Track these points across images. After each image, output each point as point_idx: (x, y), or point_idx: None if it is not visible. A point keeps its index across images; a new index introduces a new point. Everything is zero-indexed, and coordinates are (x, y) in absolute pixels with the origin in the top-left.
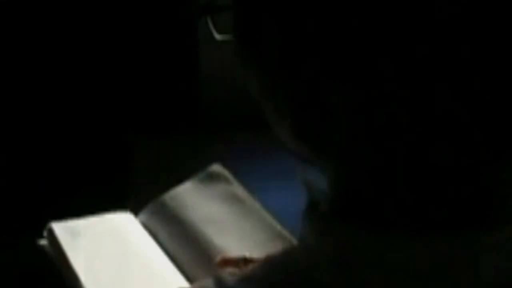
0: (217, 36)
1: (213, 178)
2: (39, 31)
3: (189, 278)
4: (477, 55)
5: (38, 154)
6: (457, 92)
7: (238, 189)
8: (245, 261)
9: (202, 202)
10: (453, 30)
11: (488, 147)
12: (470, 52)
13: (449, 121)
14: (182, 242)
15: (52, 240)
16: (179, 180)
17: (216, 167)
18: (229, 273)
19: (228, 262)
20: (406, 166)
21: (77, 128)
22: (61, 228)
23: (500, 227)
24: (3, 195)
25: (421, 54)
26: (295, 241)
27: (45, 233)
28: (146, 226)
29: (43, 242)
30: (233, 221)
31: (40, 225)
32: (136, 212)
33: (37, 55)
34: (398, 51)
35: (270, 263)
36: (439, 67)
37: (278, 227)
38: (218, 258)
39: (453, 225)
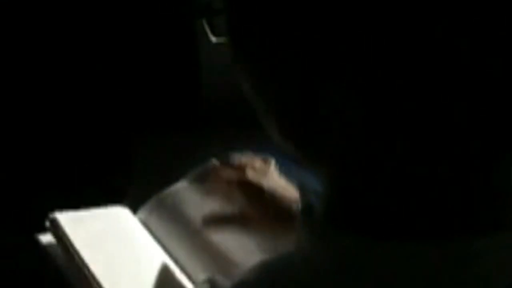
0: (213, 39)
1: (210, 175)
2: (41, 30)
3: (187, 274)
4: (470, 60)
5: (38, 151)
6: (449, 99)
7: None
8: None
9: (201, 199)
10: (449, 42)
11: (479, 153)
12: (463, 58)
13: (440, 129)
14: (181, 239)
15: (55, 228)
16: (178, 178)
17: (214, 163)
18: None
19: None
20: (398, 173)
21: (78, 125)
22: (64, 217)
23: (494, 233)
24: (3, 189)
25: (412, 57)
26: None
27: (47, 224)
28: (144, 223)
29: (42, 236)
30: (232, 218)
31: (38, 220)
32: (134, 209)
33: (40, 55)
34: (389, 55)
35: (265, 268)
36: (429, 73)
37: None
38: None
39: (449, 232)
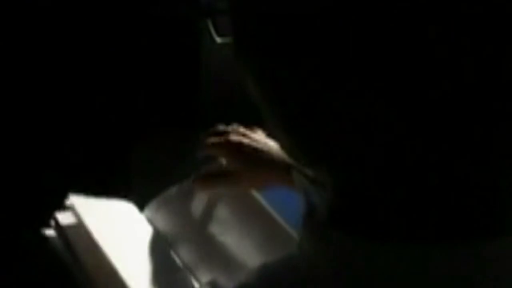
0: (217, 39)
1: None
2: (43, 31)
3: (193, 273)
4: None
5: (40, 150)
6: (452, 101)
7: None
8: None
9: (206, 198)
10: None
11: (487, 156)
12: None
13: (448, 131)
14: (187, 238)
15: (57, 227)
16: (178, 177)
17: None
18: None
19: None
20: (403, 176)
21: (80, 125)
22: (79, 201)
23: (504, 238)
24: (6, 189)
25: (409, 59)
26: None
27: (51, 222)
28: (150, 221)
29: (48, 231)
30: (237, 218)
31: (42, 218)
32: (139, 208)
33: (44, 55)
34: (389, 60)
35: (267, 271)
36: (431, 71)
37: (282, 224)
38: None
39: (454, 236)
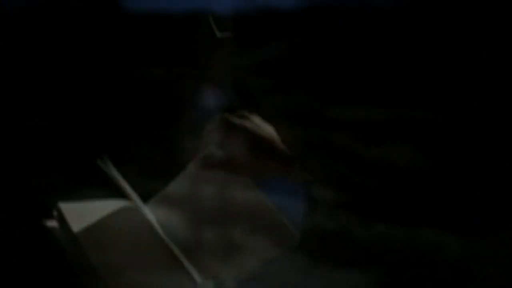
0: (218, 34)
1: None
2: (43, 32)
3: (197, 266)
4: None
5: (39, 148)
6: (459, 102)
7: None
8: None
9: (204, 189)
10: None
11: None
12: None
13: (462, 131)
14: (187, 234)
15: (60, 219)
16: (177, 174)
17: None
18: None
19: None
20: (402, 175)
21: (78, 123)
22: (69, 208)
23: None
24: (7, 189)
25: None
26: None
27: (54, 213)
28: (152, 217)
29: (51, 223)
30: (239, 214)
31: (44, 210)
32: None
33: (45, 56)
34: (391, 71)
35: (269, 265)
36: (427, 75)
37: (284, 219)
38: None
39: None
